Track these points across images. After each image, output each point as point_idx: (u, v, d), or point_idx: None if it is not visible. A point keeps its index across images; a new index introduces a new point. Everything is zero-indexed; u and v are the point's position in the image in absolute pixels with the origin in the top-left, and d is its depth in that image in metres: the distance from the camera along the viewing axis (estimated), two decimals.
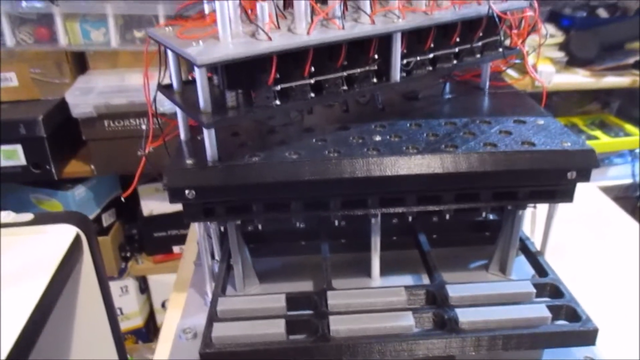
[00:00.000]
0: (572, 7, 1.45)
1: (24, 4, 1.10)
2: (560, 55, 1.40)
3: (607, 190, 0.84)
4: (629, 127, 1.52)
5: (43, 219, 0.64)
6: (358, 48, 0.50)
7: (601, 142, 1.46)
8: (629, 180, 1.57)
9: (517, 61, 0.64)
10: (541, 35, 0.60)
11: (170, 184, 0.46)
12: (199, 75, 0.43)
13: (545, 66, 1.33)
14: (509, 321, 0.44)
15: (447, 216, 0.52)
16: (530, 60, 0.62)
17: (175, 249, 1.36)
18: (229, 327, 0.44)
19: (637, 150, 1.55)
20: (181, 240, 1.35)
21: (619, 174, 1.56)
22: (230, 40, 0.44)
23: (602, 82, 1.38)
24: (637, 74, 1.39)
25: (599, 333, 0.44)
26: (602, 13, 1.45)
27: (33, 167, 1.15)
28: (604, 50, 1.39)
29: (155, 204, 1.30)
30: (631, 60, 1.39)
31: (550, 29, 1.40)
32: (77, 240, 0.61)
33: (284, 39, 0.44)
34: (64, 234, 0.61)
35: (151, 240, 1.36)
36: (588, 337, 0.44)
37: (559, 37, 1.41)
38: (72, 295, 0.63)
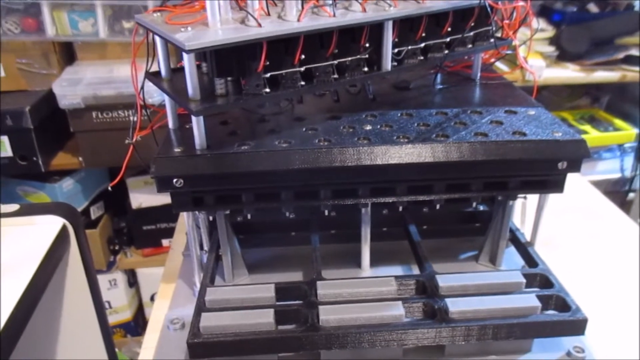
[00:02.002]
0: (562, 1, 1.45)
1: None
2: (550, 49, 1.40)
3: (596, 184, 0.85)
4: (618, 122, 1.53)
5: (29, 210, 0.63)
6: (349, 36, 0.49)
7: (590, 136, 1.47)
8: (617, 175, 1.58)
9: (509, 52, 0.63)
10: (532, 27, 0.60)
11: (158, 172, 0.45)
12: (187, 61, 0.42)
13: (536, 60, 1.33)
14: (499, 311, 0.44)
15: (438, 206, 0.52)
16: (521, 53, 0.62)
17: (165, 242, 1.35)
18: (217, 317, 0.43)
19: (626, 145, 1.55)
20: (170, 233, 1.33)
21: (607, 169, 1.57)
22: (219, 27, 0.43)
23: (592, 76, 1.39)
24: (626, 69, 1.39)
25: (588, 323, 0.44)
26: (593, 8, 1.45)
27: (20, 159, 1.14)
28: (594, 45, 1.39)
29: (144, 196, 1.29)
30: (621, 55, 1.39)
31: (541, 23, 1.40)
32: (63, 232, 0.60)
33: (274, 26, 0.44)
34: (51, 225, 0.60)
35: (140, 233, 1.35)
36: (577, 326, 0.44)
37: (550, 32, 1.41)
38: (59, 287, 0.62)
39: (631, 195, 1.59)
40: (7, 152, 1.13)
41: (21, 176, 1.24)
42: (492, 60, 0.67)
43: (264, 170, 0.45)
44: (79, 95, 1.09)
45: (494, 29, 0.59)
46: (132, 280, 1.42)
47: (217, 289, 0.47)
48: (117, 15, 1.14)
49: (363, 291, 0.47)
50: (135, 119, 0.50)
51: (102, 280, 1.32)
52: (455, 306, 0.44)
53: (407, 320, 0.44)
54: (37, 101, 1.12)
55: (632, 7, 1.47)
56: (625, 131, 1.50)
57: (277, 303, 0.46)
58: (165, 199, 1.34)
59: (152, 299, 1.43)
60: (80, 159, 1.19)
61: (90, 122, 1.13)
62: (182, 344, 0.45)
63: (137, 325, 1.46)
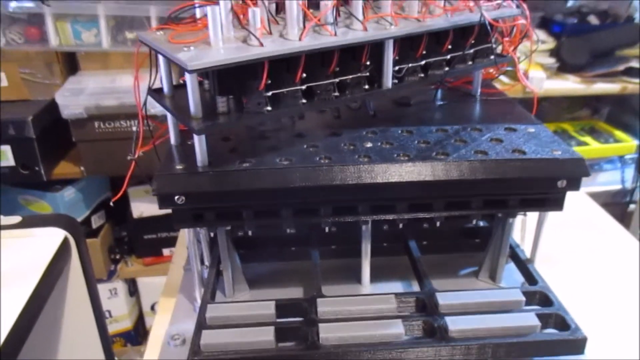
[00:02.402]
0: (563, 13, 1.45)
1: (14, 3, 1.09)
2: (551, 61, 1.41)
3: (596, 196, 0.85)
4: (619, 134, 1.53)
5: (31, 221, 0.63)
6: (350, 54, 0.50)
7: (591, 148, 1.47)
8: (618, 186, 1.58)
9: (509, 68, 0.64)
10: (533, 43, 0.61)
11: (159, 189, 0.45)
12: (189, 80, 0.43)
13: (536, 72, 1.34)
14: (498, 329, 0.45)
15: (438, 223, 0.52)
16: (522, 66, 0.62)
17: (165, 251, 1.36)
18: (217, 335, 0.44)
19: (627, 157, 1.56)
20: (171, 242, 1.34)
21: (608, 180, 1.57)
22: (221, 46, 0.43)
23: (592, 88, 1.39)
24: (627, 80, 1.40)
25: (588, 341, 0.44)
26: (593, 20, 1.46)
27: (22, 168, 1.14)
28: (594, 56, 1.40)
29: (145, 206, 1.29)
30: (621, 67, 1.40)
31: (541, 35, 1.41)
32: (65, 244, 0.61)
33: (275, 45, 0.44)
34: (52, 237, 0.60)
35: (141, 242, 1.35)
36: (577, 346, 0.44)
37: (550, 43, 1.41)
38: (60, 299, 0.63)
39: (632, 206, 1.59)
40: (9, 161, 1.13)
41: (23, 185, 1.24)
42: (495, 75, 0.68)
43: (265, 188, 0.45)
44: (81, 105, 1.09)
45: (494, 46, 0.59)
46: (133, 289, 1.42)
47: (217, 305, 0.47)
48: (119, 26, 1.14)
49: (363, 309, 0.47)
50: (137, 131, 0.50)
51: (103, 289, 1.32)
52: (455, 324, 0.45)
53: (407, 339, 0.45)
54: (39, 111, 1.12)
55: (632, 19, 1.47)
56: (626, 143, 1.51)
57: (278, 320, 0.46)
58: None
59: (152, 308, 1.43)
60: (82, 168, 1.19)
61: (92, 132, 1.13)
62: None
63: (137, 334, 1.46)
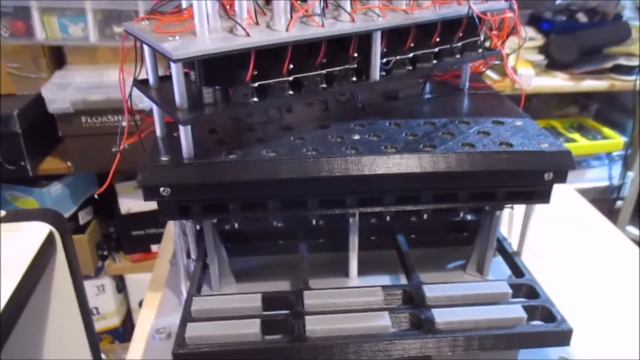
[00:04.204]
0: (552, 10, 1.46)
1: None
2: (539, 58, 1.42)
3: (584, 192, 0.85)
4: (607, 131, 1.55)
5: (16, 216, 0.62)
6: (338, 46, 0.49)
7: (579, 145, 1.48)
8: (605, 183, 1.59)
9: (497, 62, 0.64)
10: (520, 37, 0.61)
11: (144, 181, 0.45)
12: (175, 70, 0.42)
13: (525, 69, 1.34)
14: (485, 321, 0.44)
15: (425, 216, 0.52)
16: (510, 62, 0.62)
17: (154, 247, 1.35)
18: (203, 327, 0.43)
19: (614, 154, 1.57)
20: (160, 239, 1.33)
21: (595, 177, 1.58)
22: (207, 36, 0.43)
23: (581, 85, 1.40)
24: (615, 78, 1.41)
25: (574, 333, 0.44)
26: (582, 17, 1.46)
27: (8, 164, 1.13)
28: (583, 54, 1.41)
29: (133, 202, 1.28)
30: (609, 64, 1.41)
31: (530, 32, 1.41)
32: (50, 238, 0.60)
33: (262, 35, 0.44)
34: (37, 231, 0.60)
35: (129, 238, 1.35)
36: (563, 337, 0.45)
37: (539, 41, 1.42)
38: (45, 294, 0.62)
39: (619, 203, 1.60)
40: None
41: (9, 180, 1.23)
42: (482, 69, 0.68)
43: (251, 180, 0.45)
44: (68, 100, 1.09)
45: (482, 39, 0.59)
46: (121, 286, 1.41)
47: (203, 298, 0.47)
48: (107, 20, 1.13)
49: (350, 301, 0.47)
50: (123, 125, 0.50)
51: (90, 286, 1.31)
52: (442, 317, 0.44)
53: (394, 331, 0.44)
54: (25, 105, 1.11)
55: (620, 16, 1.49)
56: (613, 139, 1.52)
57: (264, 313, 0.46)
58: (154, 204, 1.33)
59: (140, 304, 1.42)
60: (69, 163, 1.18)
61: (79, 127, 1.13)
62: (168, 354, 0.44)
63: (126, 331, 1.45)
